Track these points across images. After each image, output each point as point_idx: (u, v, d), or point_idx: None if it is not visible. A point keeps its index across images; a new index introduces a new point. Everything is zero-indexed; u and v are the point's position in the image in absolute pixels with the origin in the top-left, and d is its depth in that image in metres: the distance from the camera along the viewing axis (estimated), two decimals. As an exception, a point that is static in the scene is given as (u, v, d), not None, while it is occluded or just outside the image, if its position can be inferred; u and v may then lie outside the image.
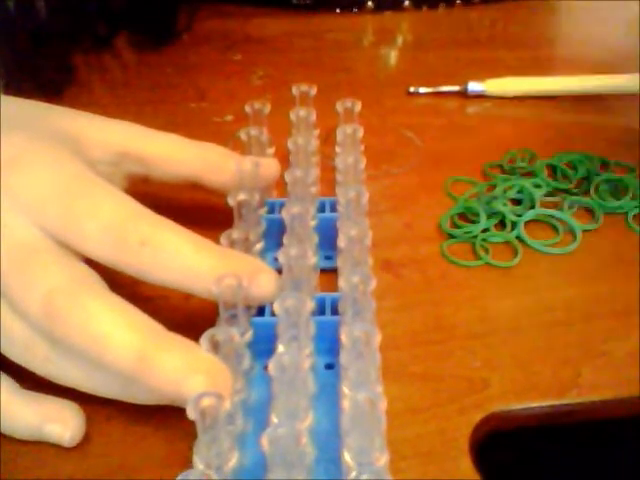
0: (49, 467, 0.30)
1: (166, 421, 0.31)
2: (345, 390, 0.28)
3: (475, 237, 0.41)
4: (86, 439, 0.31)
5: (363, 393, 0.26)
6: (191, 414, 0.25)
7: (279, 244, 0.34)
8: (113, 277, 0.32)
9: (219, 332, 0.28)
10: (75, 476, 0.30)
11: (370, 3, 0.66)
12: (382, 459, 0.26)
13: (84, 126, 0.36)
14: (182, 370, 0.27)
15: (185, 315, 0.36)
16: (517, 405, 0.32)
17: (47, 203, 0.31)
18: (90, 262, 0.31)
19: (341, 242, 0.33)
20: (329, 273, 0.37)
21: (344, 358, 0.29)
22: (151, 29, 0.61)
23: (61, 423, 0.30)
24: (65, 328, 0.28)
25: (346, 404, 0.26)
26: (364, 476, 0.25)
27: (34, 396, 0.31)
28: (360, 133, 0.40)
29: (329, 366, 0.33)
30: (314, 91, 0.44)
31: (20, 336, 0.30)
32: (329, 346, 0.32)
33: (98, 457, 0.30)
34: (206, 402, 0.25)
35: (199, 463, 0.26)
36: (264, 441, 0.25)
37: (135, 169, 0.37)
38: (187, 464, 0.27)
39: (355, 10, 0.66)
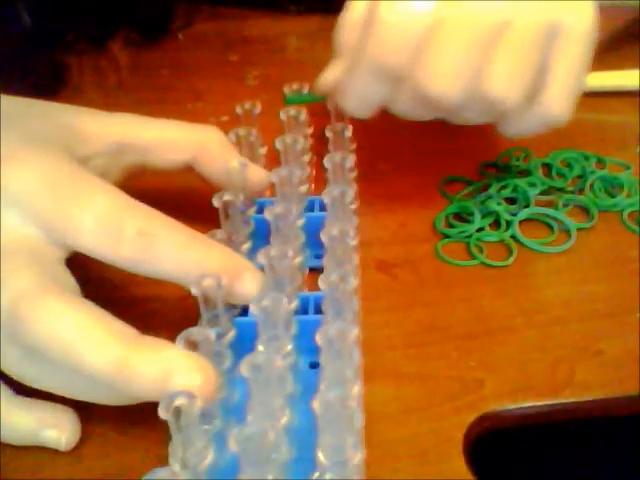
0: (47, 469, 0.30)
1: (161, 421, 0.31)
2: (321, 388, 0.28)
3: (470, 236, 0.41)
4: (83, 441, 0.31)
5: (333, 392, 0.26)
6: (163, 414, 0.25)
7: (268, 244, 0.34)
8: (108, 279, 0.32)
9: (194, 333, 0.28)
10: (73, 477, 0.30)
11: None
12: (355, 458, 0.26)
13: (83, 119, 0.36)
14: (163, 370, 0.27)
15: (180, 316, 0.36)
16: (511, 405, 0.32)
17: (40, 198, 0.31)
18: (83, 266, 0.32)
19: (324, 241, 0.33)
20: (320, 272, 0.37)
21: (323, 358, 0.29)
22: (147, 26, 0.61)
23: (57, 428, 0.30)
24: (32, 335, 0.28)
25: (316, 403, 0.26)
26: (327, 475, 0.25)
27: (29, 402, 0.31)
28: (349, 131, 0.40)
29: (313, 365, 0.33)
30: (307, 89, 0.44)
31: None
32: (313, 345, 0.32)
33: (95, 458, 0.31)
34: (179, 402, 0.25)
35: (174, 463, 0.27)
36: (232, 441, 0.25)
37: (133, 158, 0.37)
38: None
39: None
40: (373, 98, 0.38)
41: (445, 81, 0.36)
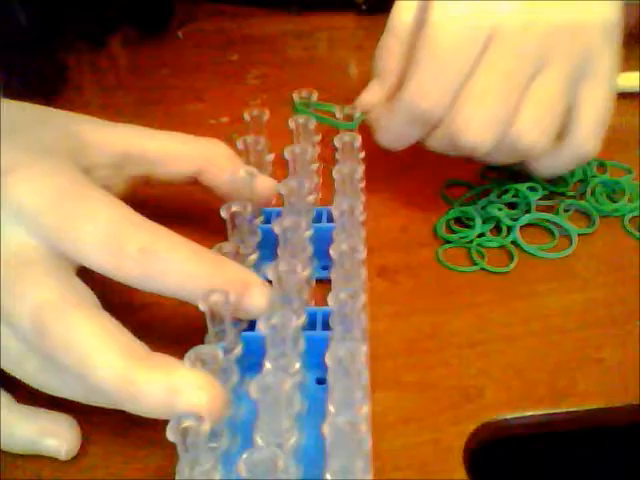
0: (47, 477, 0.30)
1: (162, 430, 0.31)
2: (330, 410, 0.28)
3: (471, 242, 0.41)
4: (83, 450, 0.31)
5: (344, 416, 0.26)
6: (170, 436, 0.25)
7: (275, 254, 0.34)
8: (107, 284, 0.32)
9: (201, 351, 0.28)
10: (73, 482, 0.30)
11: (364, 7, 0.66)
12: None
13: (87, 129, 0.36)
14: (169, 390, 0.27)
15: (178, 322, 0.36)
16: (512, 414, 0.32)
17: (44, 211, 0.31)
18: (85, 272, 0.31)
19: (333, 256, 0.33)
20: (328, 283, 0.36)
21: (331, 377, 0.29)
22: (146, 25, 0.61)
23: (57, 437, 0.30)
24: (51, 344, 0.28)
25: (326, 427, 0.26)
26: None
27: (30, 410, 0.31)
28: (358, 142, 0.39)
29: (320, 381, 0.33)
30: (315, 96, 0.44)
31: (13, 348, 0.30)
32: (319, 361, 0.31)
33: (96, 468, 0.31)
34: (186, 424, 0.25)
35: None
36: (241, 467, 0.25)
37: (137, 170, 0.37)
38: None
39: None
40: (408, 138, 0.40)
41: (477, 131, 0.37)
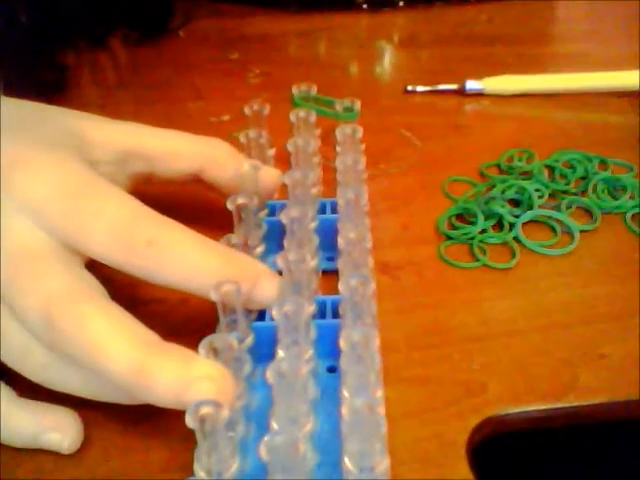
0: (48, 473, 0.30)
1: (165, 424, 0.31)
2: (345, 394, 0.28)
3: (473, 238, 0.41)
4: (85, 444, 0.31)
5: (361, 398, 0.26)
6: (190, 423, 0.25)
7: (280, 247, 0.34)
8: (112, 279, 0.32)
9: (217, 339, 0.28)
10: (74, 479, 0.30)
11: (365, 6, 0.66)
12: (383, 463, 0.26)
13: (88, 126, 0.36)
14: (182, 379, 0.27)
15: (183, 318, 0.36)
16: (514, 409, 0.32)
17: (51, 203, 0.30)
18: (90, 267, 0.31)
19: (340, 244, 0.33)
20: (333, 274, 0.36)
21: (344, 362, 0.29)
22: (146, 24, 0.61)
23: (59, 431, 0.30)
24: (61, 336, 0.28)
25: (344, 409, 0.26)
26: None
27: (31, 404, 0.31)
28: (359, 133, 0.40)
29: (331, 369, 0.33)
30: (314, 90, 0.44)
31: (18, 342, 0.30)
32: (330, 349, 0.32)
33: (98, 462, 0.30)
34: (205, 410, 0.25)
35: (200, 471, 0.26)
36: (262, 450, 0.25)
37: (139, 167, 0.37)
38: (187, 467, 0.27)
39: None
40: None
41: None
